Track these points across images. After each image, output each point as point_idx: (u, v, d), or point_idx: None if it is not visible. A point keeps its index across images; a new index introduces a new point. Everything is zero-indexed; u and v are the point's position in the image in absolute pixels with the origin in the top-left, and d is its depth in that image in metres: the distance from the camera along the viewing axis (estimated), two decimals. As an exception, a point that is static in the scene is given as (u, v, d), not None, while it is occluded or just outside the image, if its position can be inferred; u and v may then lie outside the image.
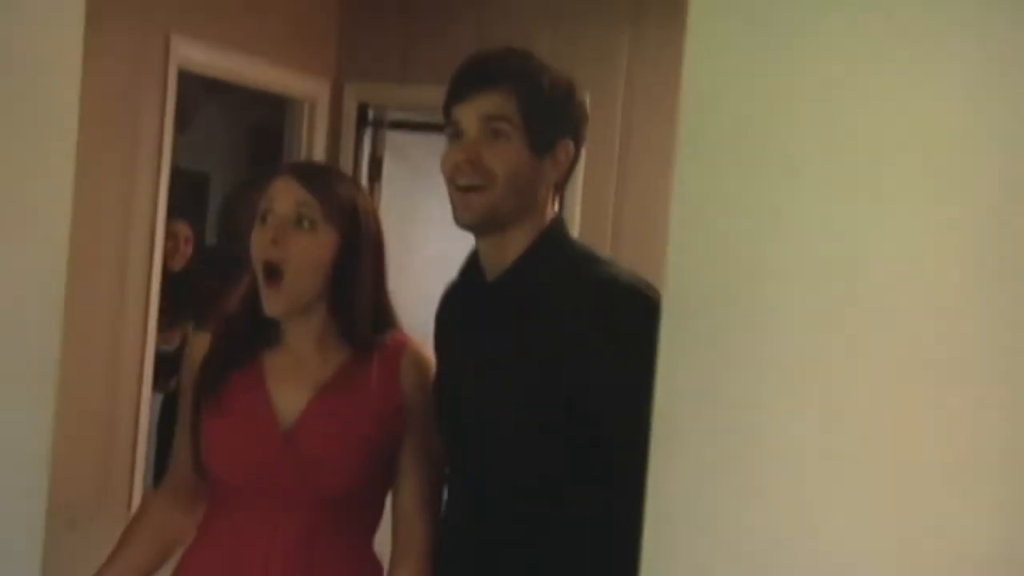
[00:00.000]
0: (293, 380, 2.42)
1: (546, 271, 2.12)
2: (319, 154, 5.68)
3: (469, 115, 2.08)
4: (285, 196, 2.36)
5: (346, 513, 2.38)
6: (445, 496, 2.43)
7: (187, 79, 5.14)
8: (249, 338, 2.46)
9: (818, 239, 1.28)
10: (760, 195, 1.34)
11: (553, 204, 2.20)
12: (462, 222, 2.12)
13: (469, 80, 2.11)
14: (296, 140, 5.71)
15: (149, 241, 5.01)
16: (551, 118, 2.12)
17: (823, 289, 1.28)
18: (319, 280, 2.35)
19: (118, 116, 4.66)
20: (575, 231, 4.92)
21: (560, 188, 2.21)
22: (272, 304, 2.33)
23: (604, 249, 4.63)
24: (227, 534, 2.43)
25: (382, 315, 2.45)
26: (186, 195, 5.66)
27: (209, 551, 2.45)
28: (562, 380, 2.06)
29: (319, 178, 2.45)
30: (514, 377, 2.14)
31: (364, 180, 5.60)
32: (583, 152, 5.16)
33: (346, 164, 5.62)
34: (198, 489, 2.55)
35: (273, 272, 2.32)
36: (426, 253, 5.21)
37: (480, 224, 2.10)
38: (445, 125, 2.16)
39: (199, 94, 6.45)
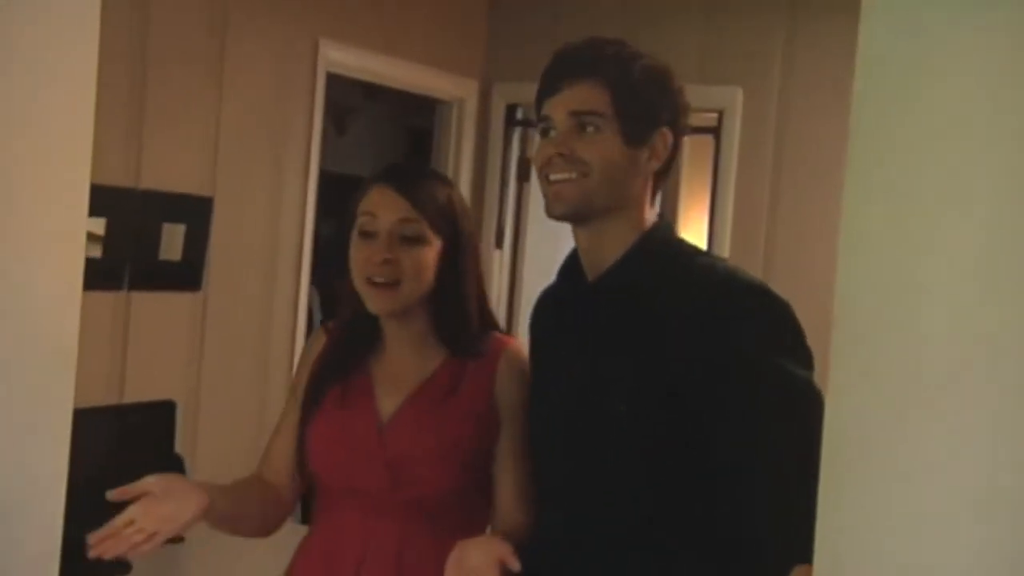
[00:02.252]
0: (393, 382, 2.43)
1: (652, 268, 2.05)
2: (467, 154, 5.69)
3: (558, 109, 2.03)
4: (389, 211, 2.35)
5: (445, 519, 2.36)
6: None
7: (344, 84, 5.20)
8: (359, 342, 2.47)
9: (983, 262, 1.20)
10: (923, 217, 1.26)
11: (653, 196, 2.13)
12: (555, 213, 2.07)
13: (557, 74, 2.05)
14: (445, 141, 5.74)
15: (298, 243, 5.04)
16: (645, 108, 2.04)
17: (984, 310, 1.19)
18: (423, 288, 2.34)
19: (267, 120, 4.72)
20: (726, 233, 5.27)
21: (661, 178, 2.13)
22: (382, 304, 2.33)
23: (757, 251, 5.15)
24: (324, 537, 2.47)
25: (483, 318, 2.43)
26: (347, 199, 5.82)
27: (309, 554, 2.48)
28: (667, 381, 1.97)
29: (420, 187, 2.40)
30: (616, 378, 2.06)
31: (512, 179, 5.63)
32: (731, 158, 5.34)
33: (494, 164, 5.67)
34: (284, 482, 2.57)
35: (386, 284, 2.33)
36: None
37: (572, 214, 2.05)
38: (537, 120, 2.12)
39: (357, 98, 6.44)
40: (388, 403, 2.41)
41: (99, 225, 4.03)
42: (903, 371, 1.28)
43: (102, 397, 4.11)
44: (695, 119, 5.39)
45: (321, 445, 2.45)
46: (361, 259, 2.34)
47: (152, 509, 2.30)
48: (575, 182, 2.01)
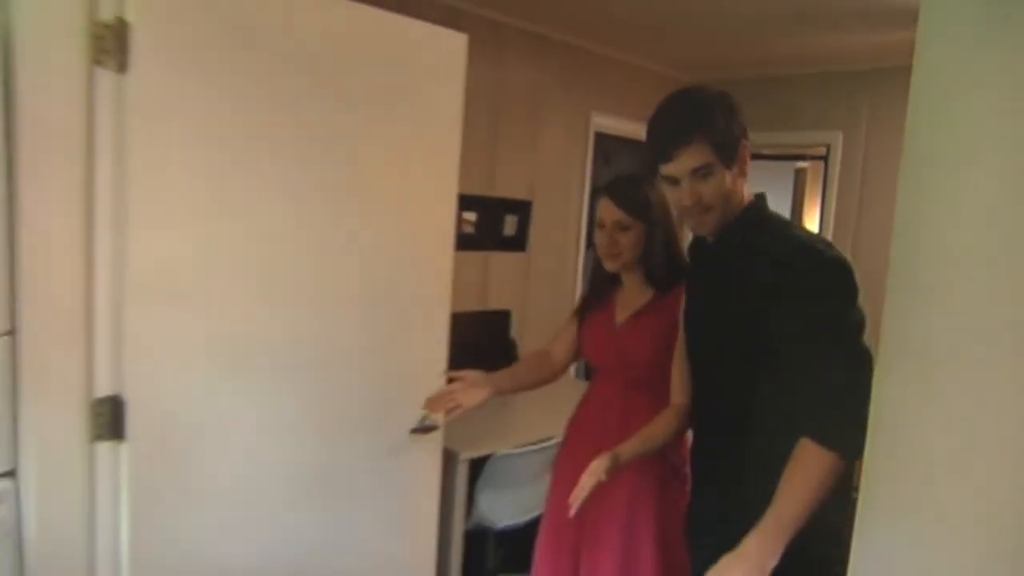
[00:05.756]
0: (623, 305, 2.46)
1: (748, 235, 1.90)
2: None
3: (680, 171, 1.85)
4: (607, 214, 2.37)
5: (649, 387, 2.37)
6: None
7: (608, 137, 5.16)
8: (607, 285, 2.51)
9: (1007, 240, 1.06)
10: (961, 210, 1.11)
11: (745, 180, 1.94)
12: (701, 234, 1.99)
13: (669, 144, 1.84)
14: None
15: (577, 226, 5.02)
16: (732, 140, 1.86)
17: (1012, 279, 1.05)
18: (635, 253, 2.36)
19: (562, 157, 4.86)
20: (830, 223, 5.10)
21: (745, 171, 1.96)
22: (610, 266, 2.40)
23: (849, 235, 5.01)
24: (593, 392, 2.54)
25: (676, 270, 2.38)
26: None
27: (588, 405, 2.55)
28: (755, 307, 1.80)
29: (624, 193, 2.36)
30: (721, 310, 1.94)
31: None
32: (835, 176, 5.09)
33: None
34: (560, 358, 2.63)
35: (611, 255, 2.37)
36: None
37: (713, 232, 1.95)
38: (662, 176, 1.93)
39: (615, 145, 5.89)
40: (621, 317, 2.45)
41: (472, 216, 4.31)
42: (937, 328, 1.14)
43: (474, 306, 4.41)
44: (812, 151, 5.36)
45: (585, 339, 2.54)
46: (599, 243, 2.40)
47: (463, 389, 2.44)
48: (709, 216, 1.89)
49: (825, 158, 5.18)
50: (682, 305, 2.27)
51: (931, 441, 1.11)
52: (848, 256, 1.76)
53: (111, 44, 1.95)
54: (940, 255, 1.11)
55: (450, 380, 2.50)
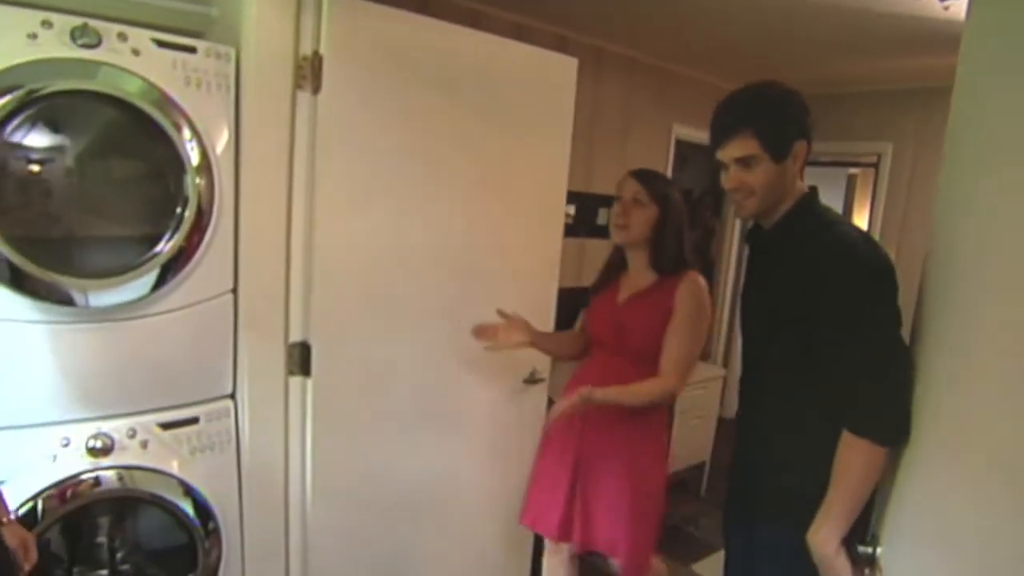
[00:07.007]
0: (627, 287, 2.41)
1: (796, 230, 1.77)
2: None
3: (726, 158, 1.77)
4: (627, 188, 2.33)
5: (645, 359, 2.31)
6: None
7: (685, 144, 5.12)
8: (616, 267, 2.47)
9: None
10: (984, 205, 1.11)
11: (802, 179, 1.82)
12: (740, 217, 1.92)
13: (717, 132, 1.78)
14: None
15: None
16: (783, 136, 1.74)
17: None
18: (643, 232, 2.30)
19: (647, 160, 4.78)
20: (878, 223, 5.07)
21: (802, 170, 1.81)
22: (617, 238, 2.36)
23: (895, 234, 4.96)
24: (592, 360, 2.49)
25: (680, 260, 2.32)
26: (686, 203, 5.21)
27: (585, 368, 2.49)
28: (793, 302, 1.69)
29: (647, 176, 2.32)
30: (768, 294, 1.82)
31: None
32: (884, 182, 5.06)
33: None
34: (586, 339, 2.57)
35: (621, 225, 2.32)
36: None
37: (752, 217, 1.84)
38: (714, 161, 1.83)
39: (691, 149, 5.67)
40: (622, 297, 2.39)
41: (571, 209, 4.30)
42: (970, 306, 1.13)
43: (571, 282, 4.10)
44: (865, 159, 5.24)
45: (591, 316, 2.49)
46: (612, 214, 2.36)
47: (505, 328, 2.44)
48: (749, 201, 1.77)
49: (876, 166, 5.14)
50: (678, 293, 2.25)
51: (966, 415, 1.09)
52: (890, 253, 1.64)
53: (309, 72, 2.14)
54: (975, 248, 1.08)
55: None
